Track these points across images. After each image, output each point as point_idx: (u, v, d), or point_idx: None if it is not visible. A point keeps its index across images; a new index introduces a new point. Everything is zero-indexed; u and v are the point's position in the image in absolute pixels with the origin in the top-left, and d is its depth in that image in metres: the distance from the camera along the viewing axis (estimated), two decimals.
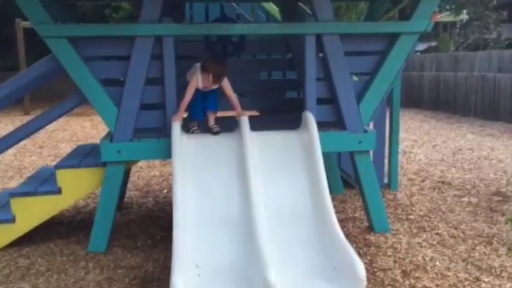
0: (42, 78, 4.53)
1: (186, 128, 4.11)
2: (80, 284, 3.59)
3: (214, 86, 4.07)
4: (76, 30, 4.04)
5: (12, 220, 4.16)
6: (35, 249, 4.24)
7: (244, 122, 4.03)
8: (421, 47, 23.02)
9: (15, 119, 13.12)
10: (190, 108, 4.14)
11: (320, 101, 4.34)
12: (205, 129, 4.13)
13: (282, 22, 6.00)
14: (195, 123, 4.19)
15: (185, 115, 4.21)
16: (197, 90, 4.08)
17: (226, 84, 4.11)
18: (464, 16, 22.82)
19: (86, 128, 12.04)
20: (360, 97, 4.36)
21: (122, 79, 4.19)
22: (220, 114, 5.67)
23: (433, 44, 25.23)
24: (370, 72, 4.42)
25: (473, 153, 8.19)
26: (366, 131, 4.36)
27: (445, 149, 8.63)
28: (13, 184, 6.25)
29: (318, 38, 4.22)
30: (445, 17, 23.90)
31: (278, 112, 5.54)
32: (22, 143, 8.03)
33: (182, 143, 3.90)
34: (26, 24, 14.12)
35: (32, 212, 4.20)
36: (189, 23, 5.69)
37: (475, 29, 22.14)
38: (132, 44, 4.05)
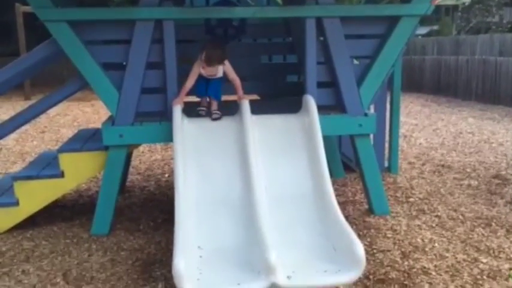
0: (42, 63, 4.53)
1: (188, 111, 4.12)
2: (84, 266, 3.64)
3: (216, 73, 4.08)
4: (76, 14, 4.04)
5: (15, 203, 4.21)
6: (38, 232, 4.30)
7: (245, 105, 4.05)
8: (423, 30, 22.91)
9: (16, 104, 13.12)
10: (194, 91, 4.16)
11: (320, 85, 4.35)
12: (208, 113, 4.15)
13: (282, 5, 5.98)
14: (204, 105, 4.19)
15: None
16: (201, 77, 4.08)
17: (228, 68, 4.11)
18: None
19: (87, 113, 12.05)
20: (360, 80, 4.37)
21: (124, 63, 4.20)
22: (222, 98, 5.69)
23: (435, 27, 25.09)
24: (371, 56, 4.42)
25: (474, 137, 8.21)
26: (366, 115, 4.37)
27: (445, 133, 8.65)
28: (15, 169, 6.29)
29: (319, 21, 4.22)
30: (447, 0, 23.72)
31: (279, 96, 5.55)
32: (24, 128, 8.08)
33: (183, 126, 3.92)
34: (25, 8, 14.06)
35: (35, 195, 4.24)
36: (189, 7, 5.66)
37: (477, 13, 22.00)
38: (132, 28, 4.05)
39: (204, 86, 4.14)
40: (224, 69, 4.10)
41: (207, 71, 4.02)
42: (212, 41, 4.34)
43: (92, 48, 4.11)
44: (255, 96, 5.91)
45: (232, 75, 4.15)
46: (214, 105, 4.15)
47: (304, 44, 4.27)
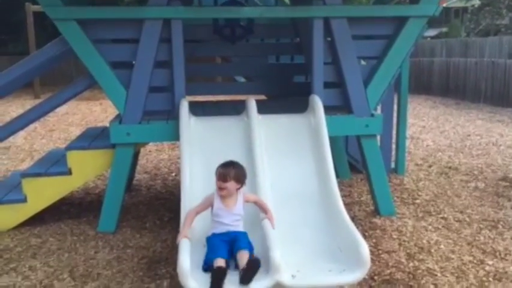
0: (52, 61, 4.58)
1: (194, 110, 4.13)
2: (90, 263, 3.67)
3: (235, 205, 3.13)
4: (85, 13, 4.07)
5: (23, 200, 4.25)
6: (46, 229, 4.33)
7: (252, 105, 4.06)
8: (432, 32, 22.80)
9: (26, 103, 13.22)
10: (211, 256, 2.90)
11: (327, 85, 4.35)
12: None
13: (289, 6, 5.99)
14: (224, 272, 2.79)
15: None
16: (218, 236, 3.05)
17: (248, 195, 3.28)
18: (475, 1, 22.52)
19: (96, 111, 12.12)
20: (367, 81, 4.37)
21: (132, 62, 4.23)
22: (229, 97, 5.73)
23: (444, 29, 24.97)
24: (378, 56, 4.42)
25: (482, 139, 8.17)
26: (372, 115, 4.37)
27: (453, 135, 8.61)
28: (24, 166, 6.34)
29: (326, 21, 4.22)
30: (456, 2, 23.60)
31: (285, 96, 5.56)
32: (33, 126, 8.16)
33: (190, 125, 3.94)
34: (35, 8, 14.18)
35: (42, 192, 4.28)
36: (197, 6, 5.69)
37: (486, 15, 21.86)
38: (141, 27, 4.08)
39: (225, 245, 2.97)
40: (246, 198, 3.22)
41: (224, 202, 3.11)
42: (225, 162, 3.22)
43: (101, 46, 4.14)
44: (262, 97, 5.93)
45: (254, 198, 3.32)
46: (245, 258, 2.86)
47: (312, 44, 4.27)
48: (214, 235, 3.07)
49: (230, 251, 2.96)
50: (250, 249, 2.97)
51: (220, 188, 3.12)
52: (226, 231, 3.07)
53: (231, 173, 3.12)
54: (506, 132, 8.84)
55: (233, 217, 3.12)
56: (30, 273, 3.51)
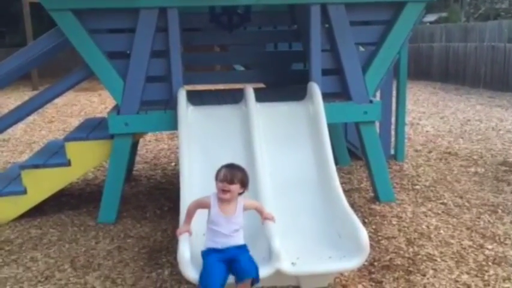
0: (48, 52, 4.55)
1: (192, 99, 4.12)
2: (91, 253, 3.68)
3: (234, 212, 2.86)
4: (80, 3, 4.03)
5: (23, 192, 4.26)
6: (46, 220, 4.34)
7: (250, 93, 4.04)
8: (431, 17, 22.64)
9: (24, 95, 13.17)
10: (203, 272, 2.71)
11: (325, 72, 4.34)
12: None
13: None
14: None
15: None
16: (214, 251, 2.80)
17: (249, 202, 3.03)
18: None
19: (94, 103, 12.09)
20: (365, 67, 4.35)
21: (128, 52, 4.21)
22: (227, 86, 5.70)
23: (444, 14, 24.79)
24: (376, 42, 4.39)
25: (482, 124, 8.16)
26: (371, 102, 4.36)
27: (453, 121, 8.60)
28: (23, 158, 6.34)
29: (323, 7, 4.19)
30: None
31: (284, 84, 5.54)
32: (32, 117, 8.16)
33: (188, 114, 3.93)
34: None
35: (42, 184, 4.28)
36: None
37: None
38: (137, 16, 4.05)
39: (222, 266, 2.74)
40: (245, 206, 2.94)
41: (222, 209, 2.85)
42: (229, 164, 2.94)
43: (97, 37, 4.12)
44: (260, 85, 5.91)
45: (254, 204, 3.10)
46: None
47: (309, 31, 4.24)
48: (210, 251, 2.80)
49: (228, 269, 2.74)
50: (252, 270, 2.70)
51: (223, 191, 2.81)
52: (225, 247, 2.79)
53: (238, 175, 2.84)
54: (505, 116, 8.82)
55: (232, 226, 2.83)
56: (31, 265, 3.52)
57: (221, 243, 2.81)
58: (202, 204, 2.94)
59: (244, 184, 2.89)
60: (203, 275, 2.70)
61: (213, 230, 2.84)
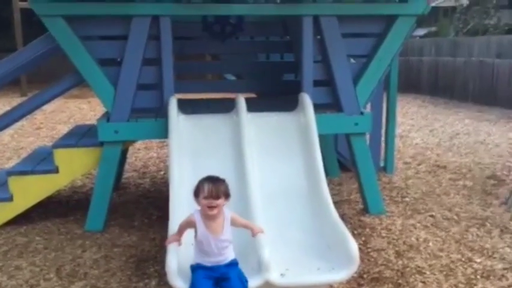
0: (38, 58, 4.51)
1: (183, 108, 4.10)
2: (77, 262, 3.63)
3: (222, 230, 2.74)
4: (72, 9, 4.02)
5: (9, 199, 4.19)
6: (32, 228, 4.28)
7: (241, 103, 4.04)
8: (421, 32, 22.89)
9: (13, 101, 13.04)
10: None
11: (317, 83, 4.35)
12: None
13: (279, 3, 5.97)
14: None
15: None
16: (202, 269, 2.73)
17: (236, 218, 2.88)
18: (464, 1, 22.66)
19: (84, 109, 12.01)
20: (356, 79, 4.37)
21: (118, 59, 4.19)
22: (218, 95, 5.69)
23: (433, 29, 25.10)
24: (367, 55, 4.42)
25: (470, 138, 8.22)
26: (362, 113, 4.37)
27: (442, 134, 8.66)
28: (10, 165, 6.26)
29: (316, 19, 4.21)
30: (445, 1, 23.74)
31: (275, 94, 5.54)
32: (20, 124, 8.06)
33: (179, 123, 3.91)
34: (23, 4, 14.03)
35: (29, 191, 4.22)
36: (186, 3, 5.65)
37: (475, 15, 22.00)
38: (129, 24, 4.04)
39: (210, 284, 2.70)
40: (232, 221, 2.82)
41: (209, 226, 2.71)
42: (209, 177, 2.80)
43: (88, 43, 4.10)
44: (252, 95, 5.91)
45: (242, 221, 2.95)
46: None
47: (301, 42, 4.26)
48: (199, 267, 2.72)
49: (216, 287, 2.69)
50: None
51: (210, 207, 2.67)
52: (215, 265, 2.71)
53: (221, 188, 2.71)
54: (493, 131, 8.90)
55: (220, 244, 2.72)
56: (16, 273, 3.46)
57: (210, 262, 2.74)
58: (189, 224, 2.81)
59: (227, 195, 2.76)
60: None
61: (202, 249, 2.75)
